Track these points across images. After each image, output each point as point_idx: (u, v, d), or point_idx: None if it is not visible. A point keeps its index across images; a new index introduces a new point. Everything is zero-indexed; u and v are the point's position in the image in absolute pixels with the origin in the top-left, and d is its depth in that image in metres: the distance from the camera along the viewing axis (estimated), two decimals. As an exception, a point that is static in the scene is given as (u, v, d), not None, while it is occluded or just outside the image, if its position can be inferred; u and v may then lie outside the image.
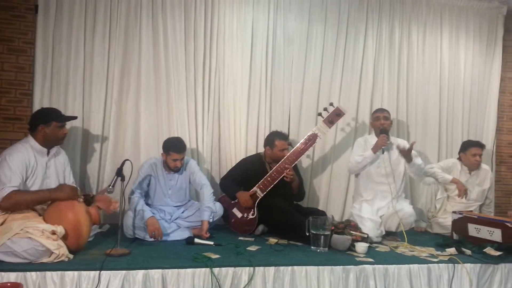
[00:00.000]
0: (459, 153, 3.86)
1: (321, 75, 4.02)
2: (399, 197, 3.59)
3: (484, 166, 3.85)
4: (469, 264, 2.72)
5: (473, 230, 3.18)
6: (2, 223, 2.36)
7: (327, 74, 4.04)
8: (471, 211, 3.62)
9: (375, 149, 3.49)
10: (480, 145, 3.77)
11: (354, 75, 4.09)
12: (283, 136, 3.47)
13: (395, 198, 3.49)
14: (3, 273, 2.12)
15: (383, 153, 3.49)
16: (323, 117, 3.44)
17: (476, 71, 4.40)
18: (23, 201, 2.42)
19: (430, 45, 4.29)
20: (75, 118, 2.99)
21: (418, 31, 4.26)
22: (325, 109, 3.46)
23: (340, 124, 3.97)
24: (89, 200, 2.69)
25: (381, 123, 3.57)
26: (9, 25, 3.34)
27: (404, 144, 3.64)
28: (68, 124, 2.89)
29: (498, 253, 2.87)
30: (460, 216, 3.28)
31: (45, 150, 2.66)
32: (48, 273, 2.16)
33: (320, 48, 4.02)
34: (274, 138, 3.44)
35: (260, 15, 3.88)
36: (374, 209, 3.44)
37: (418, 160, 3.53)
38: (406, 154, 3.46)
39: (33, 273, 2.15)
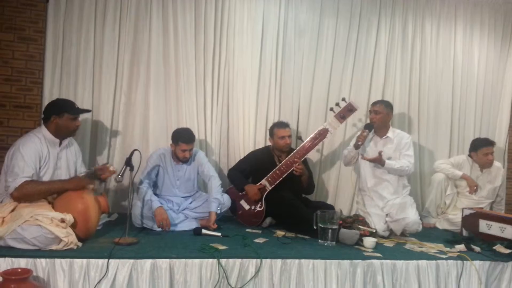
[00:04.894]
0: (469, 152, 3.80)
1: (332, 68, 3.98)
2: (402, 194, 3.35)
3: (496, 163, 3.79)
4: (478, 261, 2.69)
5: (484, 226, 3.14)
6: (13, 210, 2.39)
7: (338, 68, 4.00)
8: (482, 208, 3.56)
9: (356, 144, 3.33)
10: (490, 143, 3.68)
11: (366, 69, 4.05)
12: (282, 124, 3.44)
13: (393, 194, 3.32)
14: (13, 259, 2.15)
15: (357, 148, 3.32)
16: (334, 112, 3.41)
17: (490, 67, 4.33)
18: (36, 191, 2.43)
19: (444, 40, 4.22)
20: (88, 111, 3.00)
21: (432, 26, 4.19)
22: (337, 104, 3.42)
23: (350, 119, 3.93)
24: (93, 174, 2.66)
25: (371, 117, 3.44)
26: (20, 13, 3.35)
27: (403, 137, 3.42)
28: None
29: (508, 250, 2.84)
30: (472, 211, 3.24)
31: (57, 141, 2.66)
32: (57, 260, 2.19)
33: (332, 41, 3.98)
34: (273, 127, 3.46)
35: (271, 6, 3.84)
36: (374, 204, 3.32)
37: (393, 164, 3.26)
38: (374, 162, 3.29)
39: (43, 260, 2.18)
